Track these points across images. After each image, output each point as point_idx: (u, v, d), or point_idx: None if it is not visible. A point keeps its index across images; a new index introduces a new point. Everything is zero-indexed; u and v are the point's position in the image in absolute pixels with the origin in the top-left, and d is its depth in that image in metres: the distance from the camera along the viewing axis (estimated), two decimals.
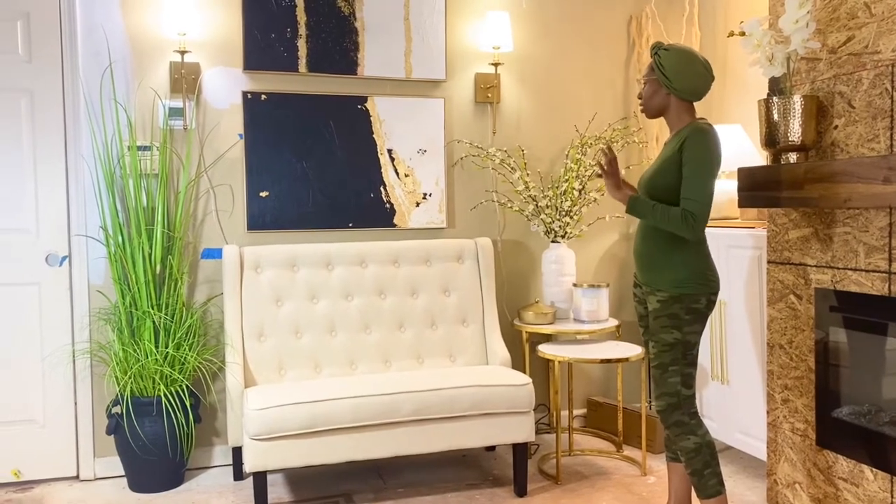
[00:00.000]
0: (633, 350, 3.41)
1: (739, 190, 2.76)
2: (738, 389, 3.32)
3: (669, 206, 2.48)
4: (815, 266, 2.65)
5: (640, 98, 2.63)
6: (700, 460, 2.50)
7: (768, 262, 2.88)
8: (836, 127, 2.56)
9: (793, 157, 2.61)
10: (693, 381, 2.54)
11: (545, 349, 3.44)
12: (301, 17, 3.60)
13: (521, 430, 3.17)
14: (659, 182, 2.52)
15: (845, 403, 2.59)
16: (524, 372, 3.78)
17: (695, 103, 2.61)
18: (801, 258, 2.71)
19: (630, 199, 2.54)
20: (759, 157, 3.48)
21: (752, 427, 3.24)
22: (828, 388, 2.64)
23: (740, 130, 3.54)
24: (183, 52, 3.42)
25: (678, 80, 2.50)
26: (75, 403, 3.43)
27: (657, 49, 2.55)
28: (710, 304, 2.53)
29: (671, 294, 2.50)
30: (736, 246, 3.27)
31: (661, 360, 2.52)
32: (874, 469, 2.44)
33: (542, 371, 4.03)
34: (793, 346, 2.77)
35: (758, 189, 2.68)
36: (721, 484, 2.51)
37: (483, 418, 3.14)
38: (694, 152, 2.44)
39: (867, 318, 2.47)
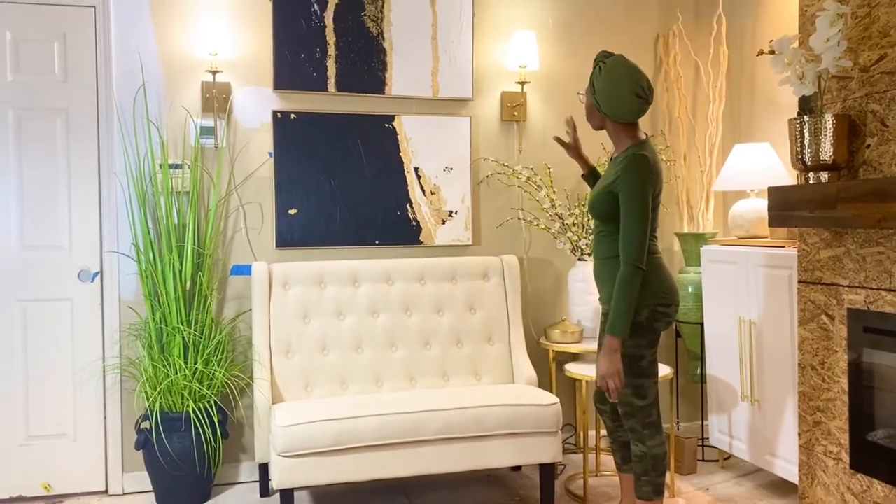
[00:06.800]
0: (660, 370, 3.37)
1: (770, 209, 2.74)
2: (768, 411, 3.27)
3: (615, 281, 2.51)
4: (848, 286, 2.62)
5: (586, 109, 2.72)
6: (640, 466, 2.62)
7: (799, 281, 2.84)
8: (868, 146, 2.54)
9: (824, 176, 2.59)
10: (646, 391, 2.58)
11: (572, 369, 3.42)
12: (330, 37, 3.64)
13: (548, 450, 3.15)
14: (598, 207, 2.61)
15: (880, 426, 2.54)
16: (551, 391, 3.76)
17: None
18: (833, 278, 2.68)
19: (606, 337, 2.50)
20: (788, 177, 3.45)
21: (783, 449, 3.19)
22: (862, 410, 2.59)
23: (769, 149, 3.52)
24: (214, 72, 3.47)
25: (606, 103, 2.57)
26: (105, 418, 3.47)
27: (598, 62, 2.59)
28: (657, 316, 2.55)
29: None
30: (765, 265, 3.23)
31: None
32: None
33: (568, 390, 4.00)
34: (825, 367, 2.73)
35: (789, 209, 2.65)
36: (656, 493, 2.61)
37: (509, 438, 3.12)
38: (624, 192, 2.49)
39: None
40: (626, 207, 2.49)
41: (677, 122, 4.14)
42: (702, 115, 4.19)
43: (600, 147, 4.02)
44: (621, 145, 2.62)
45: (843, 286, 2.64)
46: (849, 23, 2.61)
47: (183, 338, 3.31)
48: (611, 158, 2.72)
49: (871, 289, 2.52)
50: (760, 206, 3.47)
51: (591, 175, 2.93)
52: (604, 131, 3.02)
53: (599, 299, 2.71)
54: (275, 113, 3.61)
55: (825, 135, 2.54)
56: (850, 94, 2.62)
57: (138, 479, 3.47)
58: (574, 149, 2.88)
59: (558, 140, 2.86)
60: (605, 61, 2.56)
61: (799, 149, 2.62)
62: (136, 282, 3.48)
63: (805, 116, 2.59)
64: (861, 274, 2.56)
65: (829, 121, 2.53)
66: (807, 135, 2.58)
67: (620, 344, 2.48)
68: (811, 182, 2.62)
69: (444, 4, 3.78)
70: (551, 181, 3.95)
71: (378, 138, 3.73)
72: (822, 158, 2.56)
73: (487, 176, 3.93)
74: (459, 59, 3.82)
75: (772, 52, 2.65)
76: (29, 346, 3.40)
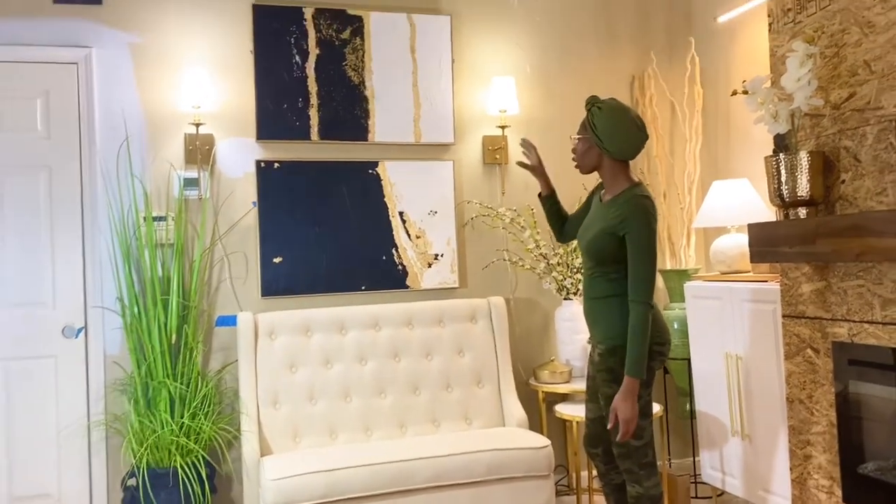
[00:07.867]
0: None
1: (751, 245, 2.77)
2: (759, 445, 3.27)
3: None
4: (831, 319, 2.64)
5: (573, 153, 2.70)
6: None
7: (783, 316, 2.87)
8: (843, 181, 2.59)
9: (802, 212, 2.63)
10: (642, 431, 2.57)
11: (562, 409, 3.41)
12: (312, 87, 3.69)
13: (541, 494, 3.12)
14: (597, 249, 2.60)
15: (870, 458, 2.55)
16: (541, 432, 3.74)
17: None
18: (816, 312, 2.71)
19: (625, 379, 2.49)
20: (767, 211, 3.50)
21: (776, 484, 3.18)
22: (851, 442, 2.60)
23: (748, 184, 3.58)
24: (197, 125, 3.50)
25: (610, 140, 2.58)
26: (90, 476, 3.41)
27: (591, 105, 2.62)
28: (652, 355, 2.56)
29: (607, 347, 2.58)
30: (750, 300, 3.26)
31: (606, 412, 2.58)
32: None
33: (559, 430, 3.98)
34: (812, 400, 2.75)
35: (770, 244, 2.69)
36: None
37: (501, 483, 3.09)
38: (634, 235, 2.51)
39: (887, 371, 2.45)
40: (637, 249, 2.50)
41: (655, 161, 4.21)
42: (679, 153, 4.25)
43: (581, 187, 4.06)
44: (618, 186, 2.63)
45: (826, 319, 2.67)
46: (818, 62, 2.68)
47: (169, 391, 3.28)
48: (599, 199, 2.74)
49: (854, 321, 2.55)
50: (741, 241, 3.51)
51: (549, 197, 2.88)
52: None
53: (590, 339, 2.71)
54: (258, 162, 3.63)
55: (801, 171, 2.59)
56: (822, 131, 2.68)
57: None
58: (538, 168, 2.85)
59: (521, 164, 2.84)
60: (601, 104, 2.60)
61: (776, 185, 2.67)
62: (122, 336, 3.45)
63: (780, 154, 2.64)
64: (843, 307, 2.59)
65: (803, 158, 2.58)
66: (783, 172, 2.63)
67: (639, 385, 2.49)
68: (790, 218, 2.66)
69: (423, 52, 3.85)
70: (535, 222, 3.98)
71: (362, 184, 3.76)
72: (799, 195, 2.60)
73: (472, 218, 3.96)
74: (440, 105, 3.87)
75: (745, 92, 2.72)
76: (12, 406, 3.34)
